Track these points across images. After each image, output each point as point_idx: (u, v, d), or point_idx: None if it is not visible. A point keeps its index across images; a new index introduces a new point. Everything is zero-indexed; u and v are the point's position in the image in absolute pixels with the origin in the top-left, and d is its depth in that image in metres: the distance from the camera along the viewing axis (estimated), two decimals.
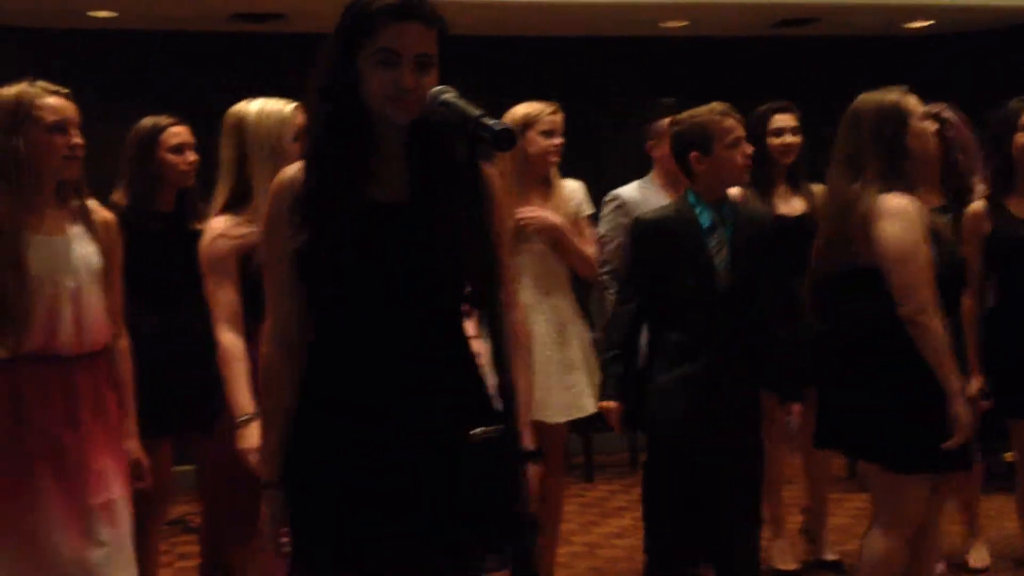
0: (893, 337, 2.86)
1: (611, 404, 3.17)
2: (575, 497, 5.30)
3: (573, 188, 3.72)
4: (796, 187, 4.09)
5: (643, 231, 3.21)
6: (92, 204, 2.83)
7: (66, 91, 2.74)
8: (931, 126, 3.09)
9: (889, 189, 2.89)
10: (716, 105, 3.16)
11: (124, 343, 2.90)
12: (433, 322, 1.94)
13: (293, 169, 1.96)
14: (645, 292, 3.18)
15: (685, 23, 6.21)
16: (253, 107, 2.81)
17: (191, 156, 3.51)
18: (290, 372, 1.96)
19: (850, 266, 2.94)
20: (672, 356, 3.11)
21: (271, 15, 5.59)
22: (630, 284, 3.24)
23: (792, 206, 4.05)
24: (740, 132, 3.14)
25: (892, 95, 2.98)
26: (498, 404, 1.88)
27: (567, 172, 3.74)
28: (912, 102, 2.98)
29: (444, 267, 1.89)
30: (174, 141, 3.52)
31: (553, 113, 3.59)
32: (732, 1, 5.83)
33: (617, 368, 3.17)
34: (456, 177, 1.85)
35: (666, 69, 6.35)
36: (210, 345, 2.79)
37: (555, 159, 3.61)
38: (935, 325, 2.83)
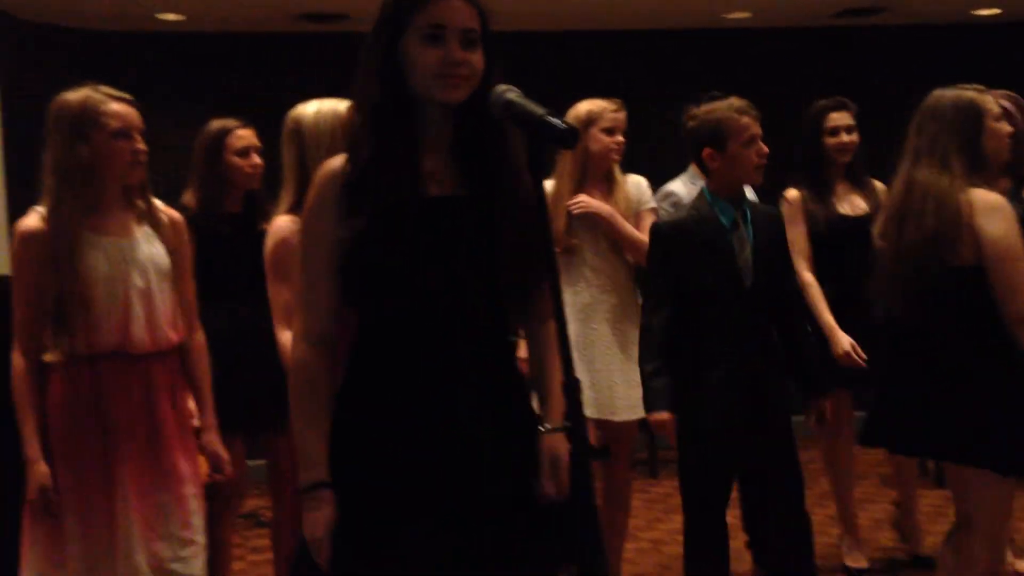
0: (994, 337, 2.79)
1: (664, 416, 3.06)
2: (640, 493, 5.29)
3: (636, 182, 3.73)
4: (858, 185, 4.02)
5: (664, 236, 3.15)
6: (159, 205, 2.88)
7: (129, 97, 2.79)
8: (1006, 128, 3.03)
9: (977, 185, 2.83)
10: (734, 101, 3.10)
11: (200, 340, 2.95)
12: (483, 319, 1.88)
13: (338, 160, 1.91)
14: (673, 299, 3.10)
15: (748, 14, 6.16)
16: (310, 109, 2.83)
17: (256, 159, 3.57)
18: (327, 370, 1.89)
19: (946, 264, 2.87)
20: (705, 357, 3.07)
21: (336, 15, 5.65)
22: (657, 293, 3.14)
23: (854, 205, 3.98)
24: (756, 130, 3.08)
25: (969, 93, 2.92)
26: (540, 404, 1.92)
27: (631, 167, 3.74)
28: (989, 101, 2.92)
29: (499, 262, 1.85)
30: (239, 144, 3.58)
31: (616, 111, 3.60)
32: None
33: (662, 380, 3.07)
34: (511, 170, 1.85)
35: (728, 61, 6.30)
36: (273, 343, 2.82)
37: (616, 157, 3.63)
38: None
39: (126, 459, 2.71)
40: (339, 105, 2.80)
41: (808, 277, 3.89)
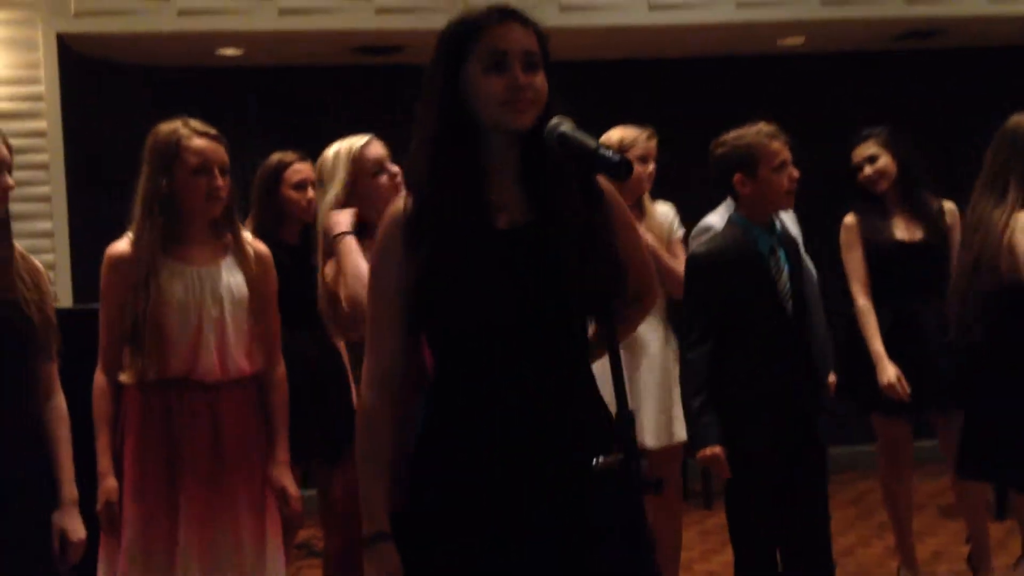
0: None
1: (716, 450, 3.00)
2: (695, 524, 5.23)
3: (664, 212, 3.75)
4: (916, 209, 3.96)
5: (702, 267, 3.10)
6: (247, 238, 2.94)
7: (216, 133, 2.85)
8: None
9: None
10: (763, 126, 3.09)
11: (280, 373, 2.96)
12: (563, 349, 1.85)
13: (400, 200, 1.89)
14: (715, 331, 3.05)
15: (801, 39, 6.12)
16: (331, 150, 2.87)
17: (311, 193, 3.61)
18: (392, 417, 1.87)
19: (999, 285, 2.87)
20: (746, 380, 3.03)
21: (391, 47, 5.72)
22: (697, 327, 3.07)
23: (911, 231, 3.92)
24: (786, 155, 3.06)
25: None
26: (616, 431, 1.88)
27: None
28: None
29: (572, 291, 1.81)
30: (296, 178, 3.64)
31: (649, 139, 3.62)
32: (851, 16, 5.71)
33: (709, 415, 3.01)
34: (577, 197, 1.83)
35: (783, 87, 6.26)
36: (331, 375, 2.84)
37: (648, 185, 3.64)
38: None
39: (189, 486, 2.76)
40: (356, 143, 2.84)
41: (864, 303, 3.86)
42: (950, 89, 6.34)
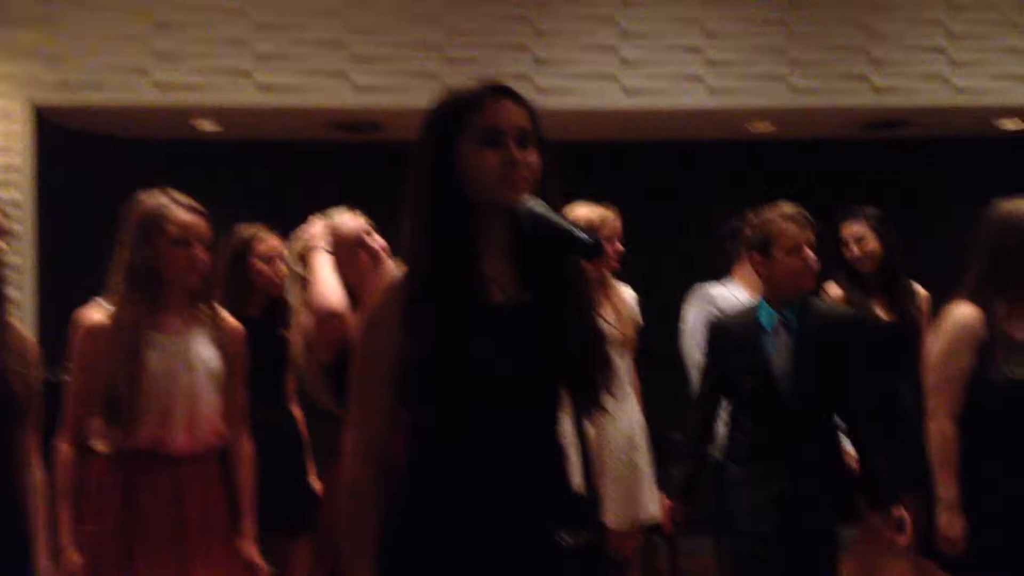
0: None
1: (666, 503, 3.20)
2: None
3: (629, 295, 3.83)
4: (888, 291, 4.04)
5: (713, 331, 3.28)
6: (222, 314, 2.96)
7: (198, 206, 2.88)
8: None
9: (980, 301, 2.91)
10: (785, 208, 3.16)
11: (247, 447, 2.97)
12: (545, 426, 1.86)
13: (394, 277, 1.87)
14: (721, 387, 3.23)
15: (771, 126, 6.25)
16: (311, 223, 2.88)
17: (280, 266, 3.62)
18: (379, 492, 1.85)
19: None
20: (743, 453, 3.13)
21: (368, 124, 5.78)
22: (705, 387, 3.27)
23: (886, 311, 4.03)
24: (802, 237, 3.10)
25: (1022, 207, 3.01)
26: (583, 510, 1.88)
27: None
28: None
29: (565, 368, 1.84)
30: (264, 250, 3.65)
31: (615, 219, 3.69)
32: (818, 105, 5.85)
33: (688, 466, 3.19)
34: (566, 275, 1.85)
35: (753, 172, 6.37)
36: (288, 446, 2.81)
37: (615, 264, 3.72)
38: (935, 428, 2.98)
39: (148, 561, 2.71)
40: (337, 215, 2.82)
41: None
42: (914, 178, 6.48)
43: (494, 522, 1.80)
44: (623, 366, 3.70)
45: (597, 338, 1.84)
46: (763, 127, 6.26)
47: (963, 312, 2.94)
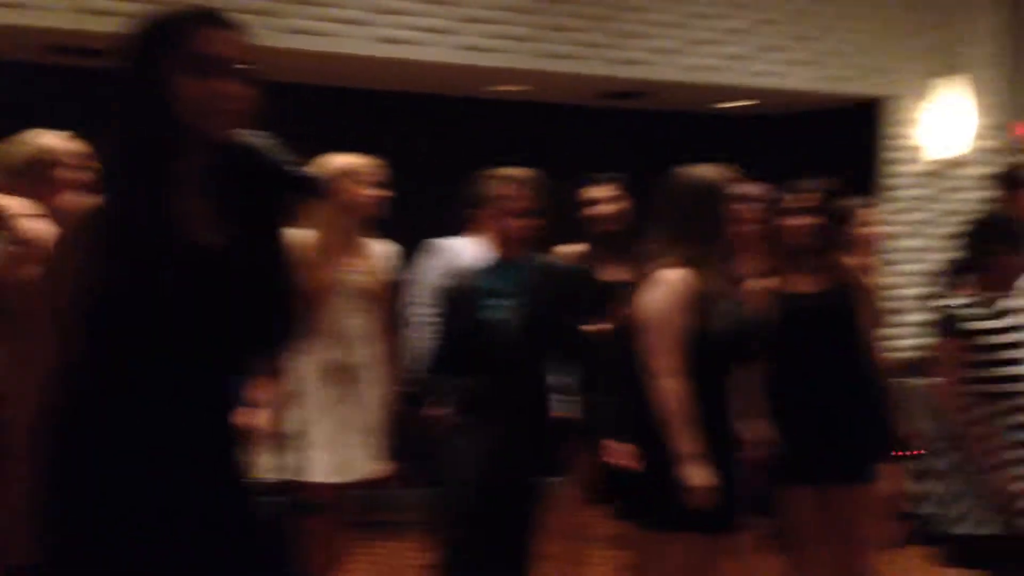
0: None
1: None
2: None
3: (385, 250, 3.75)
4: (619, 256, 4.22)
5: (442, 286, 3.42)
6: None
7: None
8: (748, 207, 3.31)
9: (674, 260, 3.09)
10: (514, 170, 3.33)
11: None
12: (215, 376, 1.80)
13: (89, 203, 1.78)
14: (450, 342, 3.34)
15: (516, 87, 6.38)
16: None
17: None
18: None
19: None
20: (464, 405, 3.26)
21: (89, 50, 5.43)
22: (439, 334, 3.38)
23: (619, 274, 4.18)
24: (525, 199, 3.28)
25: (703, 172, 3.17)
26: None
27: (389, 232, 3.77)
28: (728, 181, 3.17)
29: (247, 316, 1.77)
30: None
31: (376, 167, 3.63)
32: (566, 71, 6.02)
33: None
34: (269, 221, 1.78)
35: (501, 131, 6.48)
36: None
37: (373, 211, 3.63)
38: (667, 387, 3.03)
39: None
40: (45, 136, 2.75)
41: None
42: (644, 147, 6.82)
43: (149, 474, 1.73)
44: (372, 319, 3.62)
45: (285, 287, 1.77)
46: (508, 87, 6.38)
47: (674, 275, 3.10)
